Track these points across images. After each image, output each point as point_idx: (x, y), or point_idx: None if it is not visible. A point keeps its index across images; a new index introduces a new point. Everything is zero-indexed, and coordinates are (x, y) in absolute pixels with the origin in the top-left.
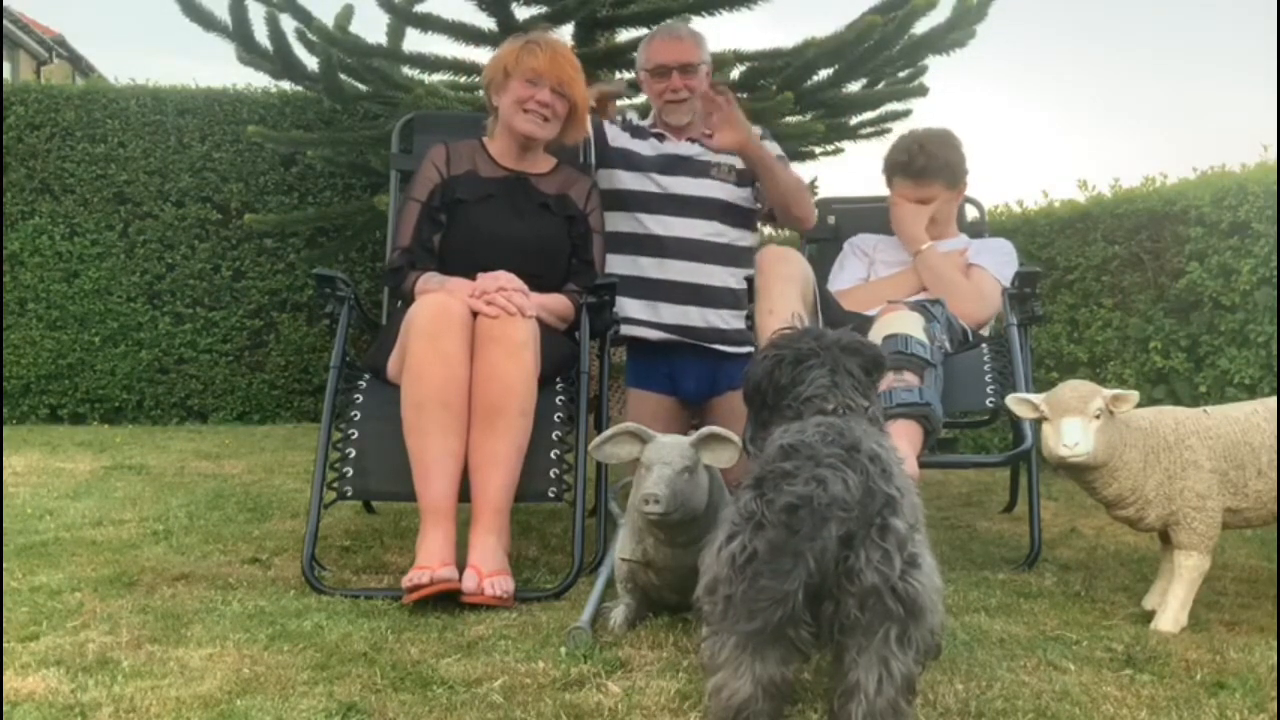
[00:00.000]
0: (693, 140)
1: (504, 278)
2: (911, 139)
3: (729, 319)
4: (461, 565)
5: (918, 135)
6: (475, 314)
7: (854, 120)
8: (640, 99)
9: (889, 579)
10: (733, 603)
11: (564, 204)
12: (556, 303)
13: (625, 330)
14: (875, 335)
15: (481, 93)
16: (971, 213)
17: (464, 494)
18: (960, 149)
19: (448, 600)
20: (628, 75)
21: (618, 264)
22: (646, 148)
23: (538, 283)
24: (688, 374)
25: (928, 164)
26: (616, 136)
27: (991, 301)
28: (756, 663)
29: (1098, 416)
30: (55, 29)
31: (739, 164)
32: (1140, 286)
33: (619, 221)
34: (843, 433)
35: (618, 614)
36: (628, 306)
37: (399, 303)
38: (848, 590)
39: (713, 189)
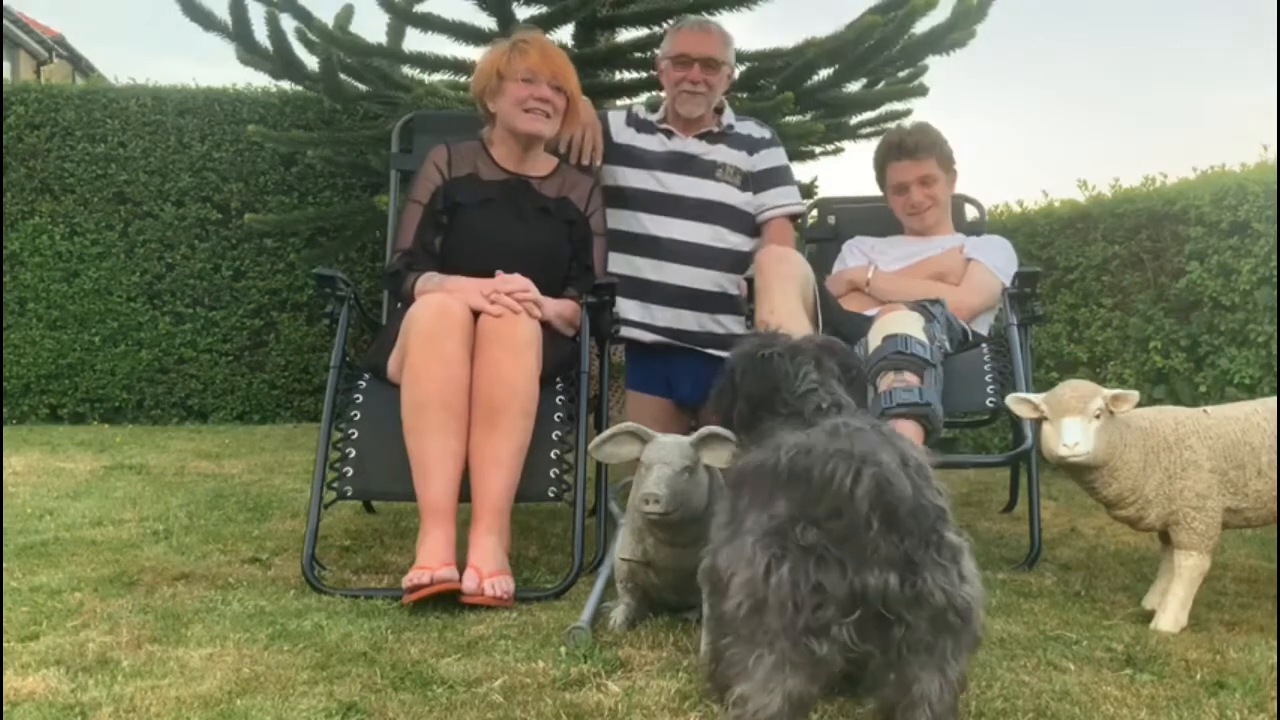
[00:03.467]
0: (700, 137)
1: (516, 282)
2: (893, 129)
3: (726, 323)
4: (462, 565)
5: (899, 126)
6: (476, 314)
7: (854, 120)
8: (643, 97)
9: (953, 597)
10: (769, 611)
11: (564, 207)
12: (570, 309)
13: (623, 331)
14: (875, 335)
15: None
16: (971, 213)
17: (464, 494)
18: (945, 139)
19: (448, 600)
20: (628, 75)
21: (614, 263)
22: (653, 143)
23: (537, 287)
24: (684, 377)
25: (919, 140)
26: (620, 131)
27: (983, 292)
28: (789, 679)
29: (1098, 416)
30: (55, 29)
31: (744, 165)
32: (1140, 286)
33: (619, 220)
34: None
35: (618, 614)
36: (623, 307)
37: (399, 303)
38: (919, 614)
39: (716, 192)
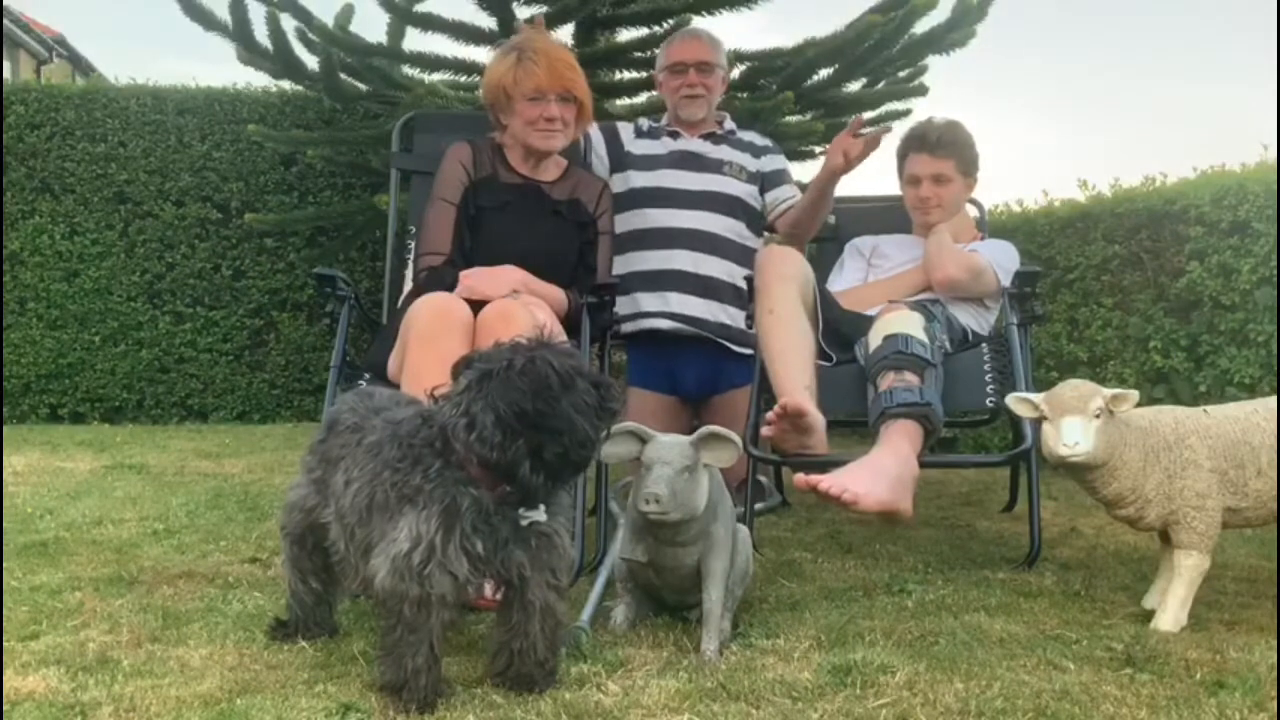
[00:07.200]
0: (704, 137)
1: (502, 274)
2: (927, 120)
3: (735, 316)
4: None
5: (929, 119)
6: (476, 315)
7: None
8: (643, 96)
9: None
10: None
11: (575, 209)
12: (554, 294)
13: (637, 324)
14: (875, 335)
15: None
16: (971, 212)
17: None
18: (973, 142)
19: None
20: (628, 75)
21: (626, 261)
22: (659, 147)
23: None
24: (689, 370)
25: (942, 136)
26: (631, 142)
27: (964, 266)
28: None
29: (1098, 416)
30: (55, 28)
31: (750, 165)
32: (1140, 286)
33: (630, 219)
34: None
35: (618, 614)
36: (640, 300)
37: (399, 302)
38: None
39: (724, 184)
